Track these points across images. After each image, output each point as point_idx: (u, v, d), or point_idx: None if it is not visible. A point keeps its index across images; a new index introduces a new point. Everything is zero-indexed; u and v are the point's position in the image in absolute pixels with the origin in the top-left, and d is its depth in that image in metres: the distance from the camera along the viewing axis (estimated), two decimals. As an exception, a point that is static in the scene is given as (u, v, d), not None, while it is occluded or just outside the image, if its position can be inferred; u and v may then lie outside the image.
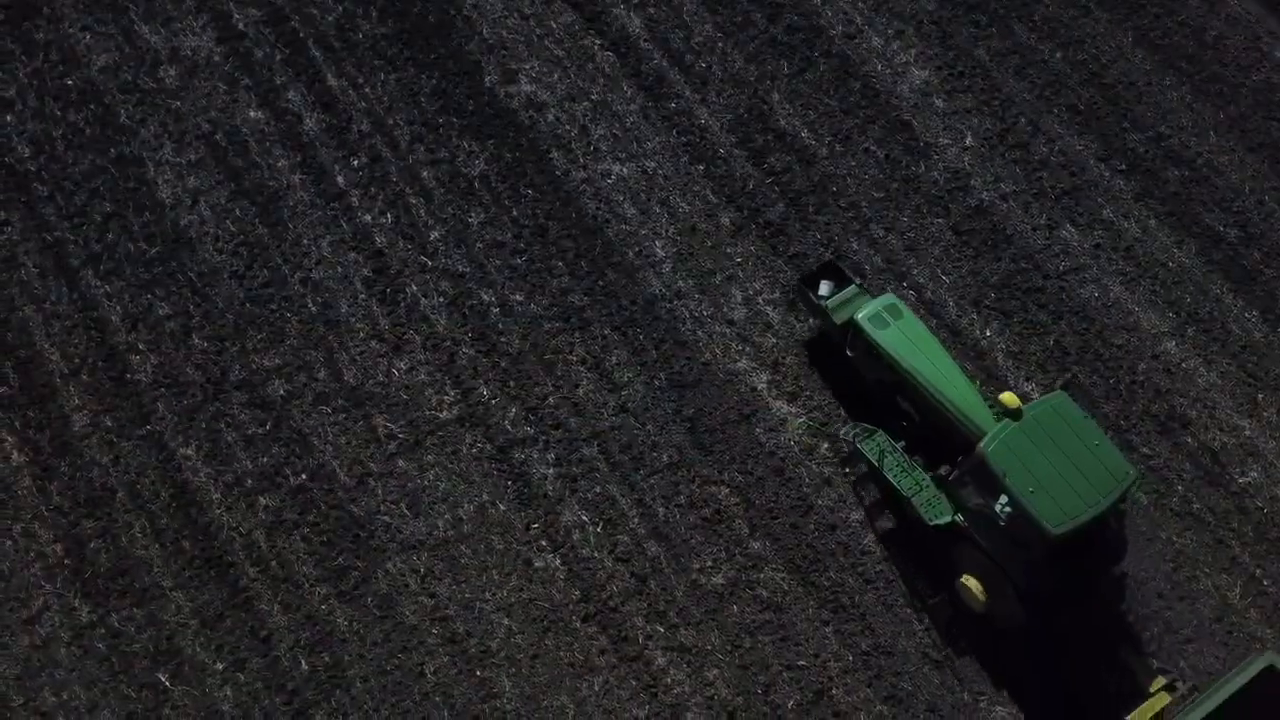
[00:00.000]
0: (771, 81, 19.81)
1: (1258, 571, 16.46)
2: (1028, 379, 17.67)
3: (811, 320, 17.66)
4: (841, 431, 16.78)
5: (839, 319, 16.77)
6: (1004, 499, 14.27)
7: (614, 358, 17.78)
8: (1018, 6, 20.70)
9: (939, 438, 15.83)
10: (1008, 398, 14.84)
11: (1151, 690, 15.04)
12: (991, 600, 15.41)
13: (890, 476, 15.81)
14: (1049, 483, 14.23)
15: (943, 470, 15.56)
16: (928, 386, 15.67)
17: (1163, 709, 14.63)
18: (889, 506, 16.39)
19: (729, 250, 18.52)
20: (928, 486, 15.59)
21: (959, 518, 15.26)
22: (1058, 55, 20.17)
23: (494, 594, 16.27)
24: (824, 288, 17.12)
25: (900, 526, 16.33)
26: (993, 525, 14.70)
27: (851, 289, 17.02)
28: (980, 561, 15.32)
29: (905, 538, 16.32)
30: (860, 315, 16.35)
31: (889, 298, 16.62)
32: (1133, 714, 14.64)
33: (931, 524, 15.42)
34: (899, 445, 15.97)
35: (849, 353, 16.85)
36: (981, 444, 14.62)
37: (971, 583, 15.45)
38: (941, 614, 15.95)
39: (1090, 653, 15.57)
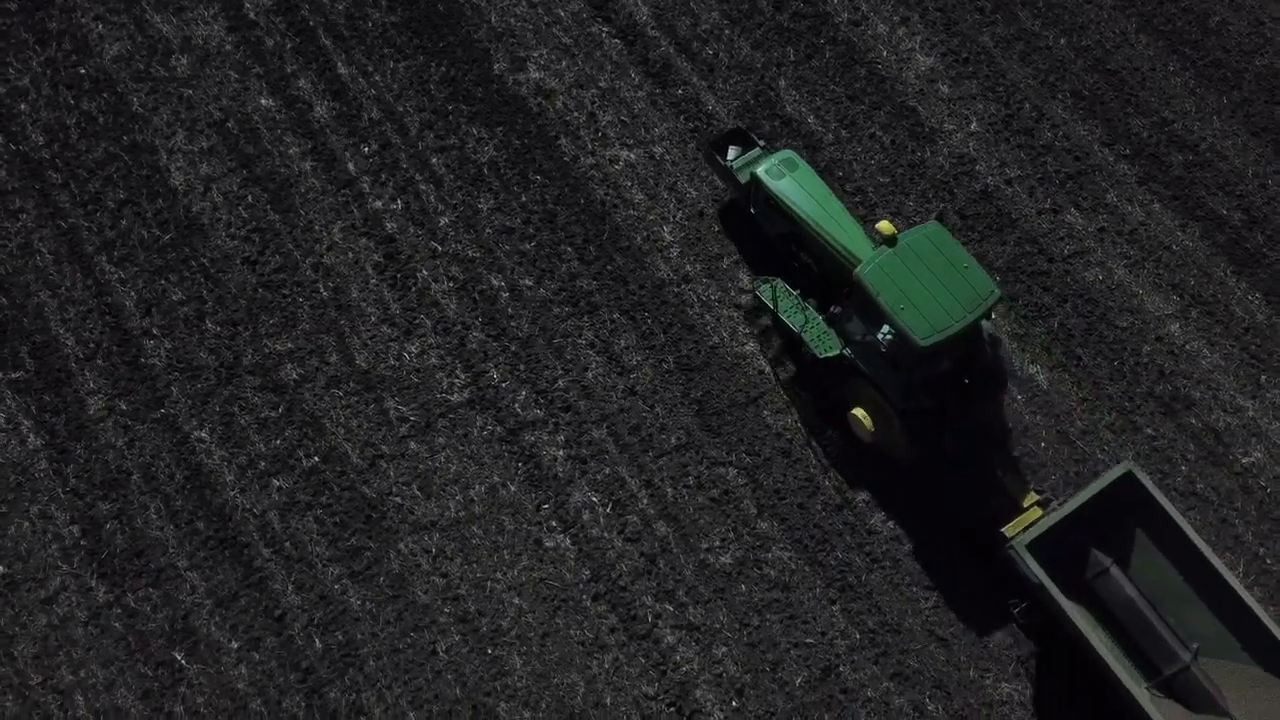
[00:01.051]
0: (778, 68, 19.96)
1: (1261, 550, 16.61)
2: (1033, 361, 17.82)
3: (721, 185, 18.74)
4: (747, 286, 18.01)
5: (743, 179, 17.89)
6: (885, 329, 15.29)
7: (623, 341, 17.95)
8: (1022, -7, 20.86)
9: (833, 284, 17.11)
10: (884, 226, 15.78)
11: (1025, 505, 15.97)
12: (878, 430, 16.47)
13: (785, 317, 16.92)
14: (919, 300, 15.17)
15: (832, 309, 16.71)
16: (818, 229, 16.85)
17: (1035, 522, 15.37)
18: (790, 354, 17.64)
19: (736, 235, 18.69)
20: (818, 324, 16.72)
21: (846, 351, 16.28)
22: (1062, 41, 20.30)
23: (505, 574, 16.47)
24: (731, 152, 18.27)
25: (801, 372, 17.50)
26: (873, 352, 15.81)
27: (755, 151, 18.22)
28: (868, 394, 16.36)
29: (805, 380, 17.56)
30: (759, 169, 17.50)
31: (786, 152, 17.86)
32: (1008, 526, 15.55)
33: (821, 357, 16.51)
34: (795, 292, 17.13)
35: (752, 210, 18.01)
36: (858, 268, 15.60)
37: (860, 413, 16.55)
38: (832, 450, 17.10)
39: (972, 478, 16.59)
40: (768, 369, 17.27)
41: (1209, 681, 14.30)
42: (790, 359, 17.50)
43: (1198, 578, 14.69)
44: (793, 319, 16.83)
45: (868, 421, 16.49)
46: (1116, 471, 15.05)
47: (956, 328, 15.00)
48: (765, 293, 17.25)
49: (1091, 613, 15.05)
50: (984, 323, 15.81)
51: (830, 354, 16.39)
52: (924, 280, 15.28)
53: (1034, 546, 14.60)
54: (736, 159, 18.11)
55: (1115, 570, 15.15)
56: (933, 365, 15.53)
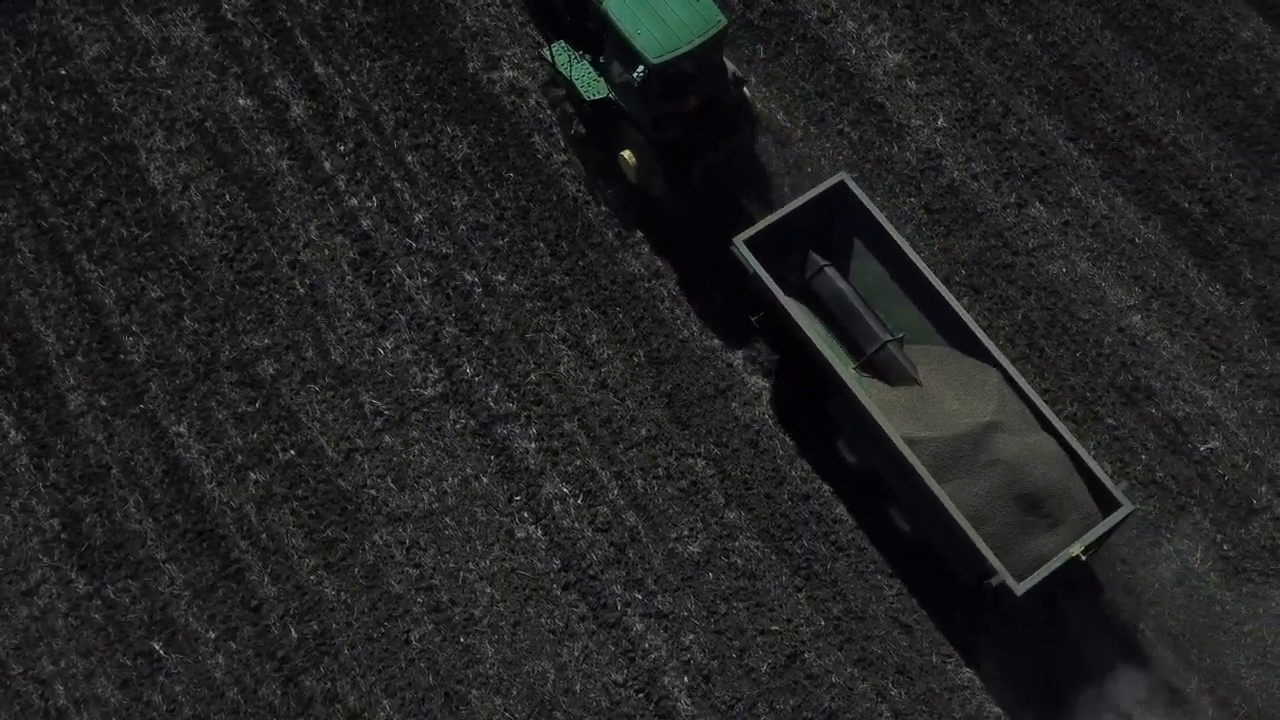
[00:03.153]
0: (748, 65, 20.24)
1: (1218, 537, 16.94)
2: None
3: None
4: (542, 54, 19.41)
5: None
6: (639, 69, 17.10)
7: (594, 336, 18.26)
8: (990, -10, 21.15)
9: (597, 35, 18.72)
10: None
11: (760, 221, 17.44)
12: (641, 168, 18.57)
13: (562, 69, 18.38)
14: (653, 26, 17.16)
15: (600, 59, 18.44)
16: None
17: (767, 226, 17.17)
18: (579, 117, 19.40)
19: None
20: (589, 72, 18.43)
21: (611, 94, 18.11)
22: (1028, 37, 20.59)
23: (477, 564, 16.79)
24: None
25: (589, 135, 19.35)
26: (630, 91, 17.63)
27: None
28: (632, 135, 18.31)
29: (592, 142, 19.41)
30: None
31: None
32: (738, 236, 16.99)
33: (588, 101, 18.25)
34: (579, 52, 18.62)
35: None
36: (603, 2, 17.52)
37: (626, 154, 18.61)
38: (614, 199, 18.98)
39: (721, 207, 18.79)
40: (564, 144, 19.02)
41: (904, 358, 16.26)
42: (580, 121, 19.46)
43: (903, 276, 16.71)
44: (568, 70, 18.40)
45: (632, 160, 18.55)
46: (831, 181, 17.08)
47: (685, 49, 17.05)
48: (546, 53, 18.81)
49: (812, 309, 16.84)
50: (729, 65, 18.25)
51: (597, 97, 18.23)
52: (659, 9, 17.30)
53: (753, 245, 16.62)
54: None
55: (830, 270, 16.93)
56: (680, 101, 17.56)
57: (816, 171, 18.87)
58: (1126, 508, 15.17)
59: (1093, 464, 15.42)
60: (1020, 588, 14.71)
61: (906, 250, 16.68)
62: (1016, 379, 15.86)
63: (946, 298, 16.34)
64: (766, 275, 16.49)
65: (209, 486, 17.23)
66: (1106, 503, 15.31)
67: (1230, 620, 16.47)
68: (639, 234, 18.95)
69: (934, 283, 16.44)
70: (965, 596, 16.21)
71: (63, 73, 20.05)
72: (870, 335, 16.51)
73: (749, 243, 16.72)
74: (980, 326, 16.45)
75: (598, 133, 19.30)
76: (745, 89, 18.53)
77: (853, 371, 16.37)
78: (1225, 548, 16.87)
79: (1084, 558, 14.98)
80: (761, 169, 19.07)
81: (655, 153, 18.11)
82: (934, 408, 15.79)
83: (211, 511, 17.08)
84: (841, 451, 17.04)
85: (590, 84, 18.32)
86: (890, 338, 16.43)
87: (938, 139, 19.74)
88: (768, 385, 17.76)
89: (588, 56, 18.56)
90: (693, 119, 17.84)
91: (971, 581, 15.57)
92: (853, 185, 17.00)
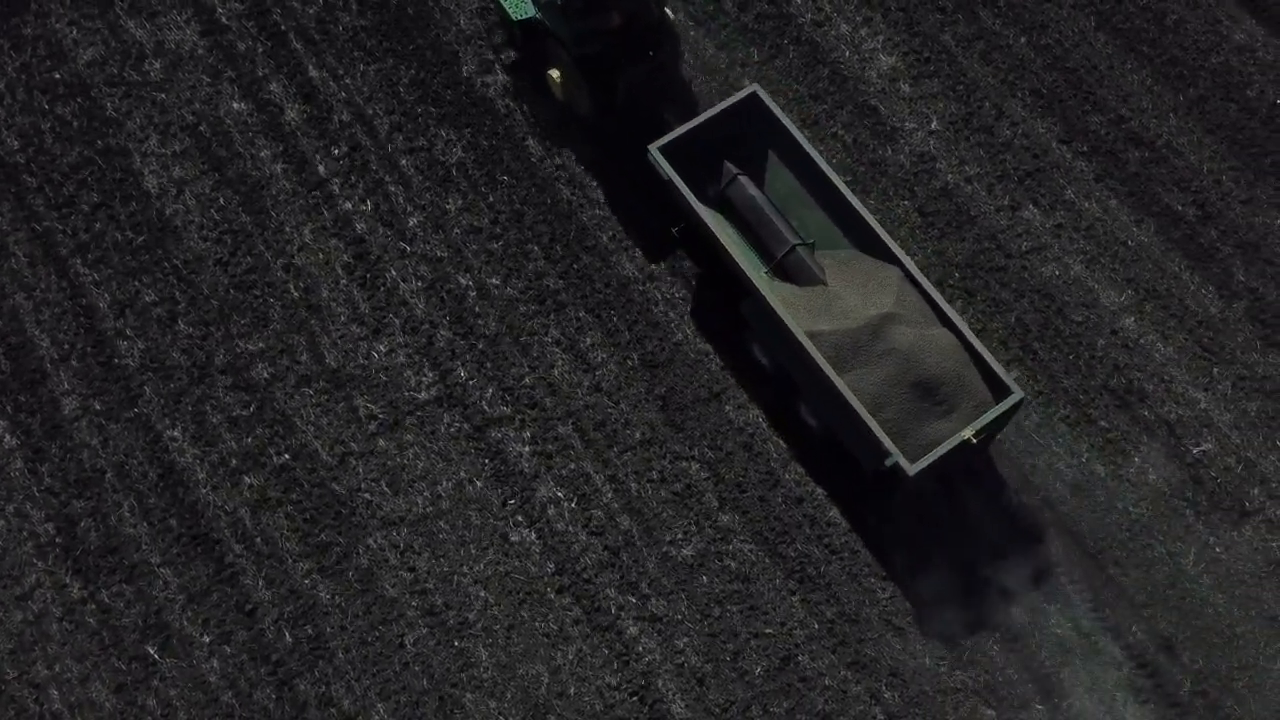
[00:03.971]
0: (742, 68, 20.28)
1: (1211, 539, 16.97)
2: (990, 353, 18.16)
3: None
4: None
5: None
6: None
7: (588, 339, 18.29)
8: (983, -7, 21.19)
9: None
10: None
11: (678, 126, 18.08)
12: (566, 86, 19.36)
13: None
14: None
15: None
16: None
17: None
18: (511, 40, 20.26)
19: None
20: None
21: (537, 14, 18.93)
22: (1022, 40, 20.63)
23: (471, 567, 16.82)
24: None
25: (522, 59, 20.23)
26: (553, 10, 18.32)
27: None
28: (556, 53, 19.04)
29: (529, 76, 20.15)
30: None
31: None
32: (653, 144, 17.63)
33: (516, 21, 19.14)
34: None
35: None
36: None
37: (553, 73, 19.43)
38: (543, 117, 19.80)
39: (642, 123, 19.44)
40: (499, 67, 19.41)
41: (812, 261, 17.00)
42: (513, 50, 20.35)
43: (813, 185, 17.53)
44: None
45: (558, 78, 19.37)
46: (743, 93, 17.80)
47: None
48: None
49: (727, 218, 17.54)
50: None
51: (524, 17, 19.09)
52: None
53: (669, 154, 17.34)
54: None
55: (743, 178, 17.55)
56: (602, 19, 18.20)
57: (739, 87, 19.42)
58: (1016, 395, 15.99)
59: (986, 355, 16.27)
60: (913, 468, 15.50)
61: (817, 160, 17.49)
62: (918, 277, 16.67)
63: (854, 203, 17.19)
64: (680, 181, 17.34)
65: (203, 491, 17.25)
66: (1000, 392, 16.18)
67: (1223, 623, 16.50)
68: (633, 237, 18.98)
69: (842, 189, 17.31)
70: (869, 486, 16.89)
71: (57, 76, 20.06)
72: (781, 240, 17.24)
73: (664, 150, 17.45)
74: (886, 230, 17.46)
75: (532, 55, 20.11)
76: (666, 8, 19.23)
77: (764, 275, 17.13)
78: (1218, 550, 16.90)
79: (975, 440, 15.74)
80: (685, 86, 19.89)
81: (580, 70, 18.70)
82: (836, 304, 16.60)
83: (206, 516, 17.11)
84: (755, 353, 17.91)
85: (517, 5, 19.20)
86: (799, 242, 17.10)
87: (931, 142, 19.77)
88: (688, 295, 18.56)
89: None
90: (614, 36, 18.51)
91: (873, 469, 16.40)
92: (765, 96, 17.79)
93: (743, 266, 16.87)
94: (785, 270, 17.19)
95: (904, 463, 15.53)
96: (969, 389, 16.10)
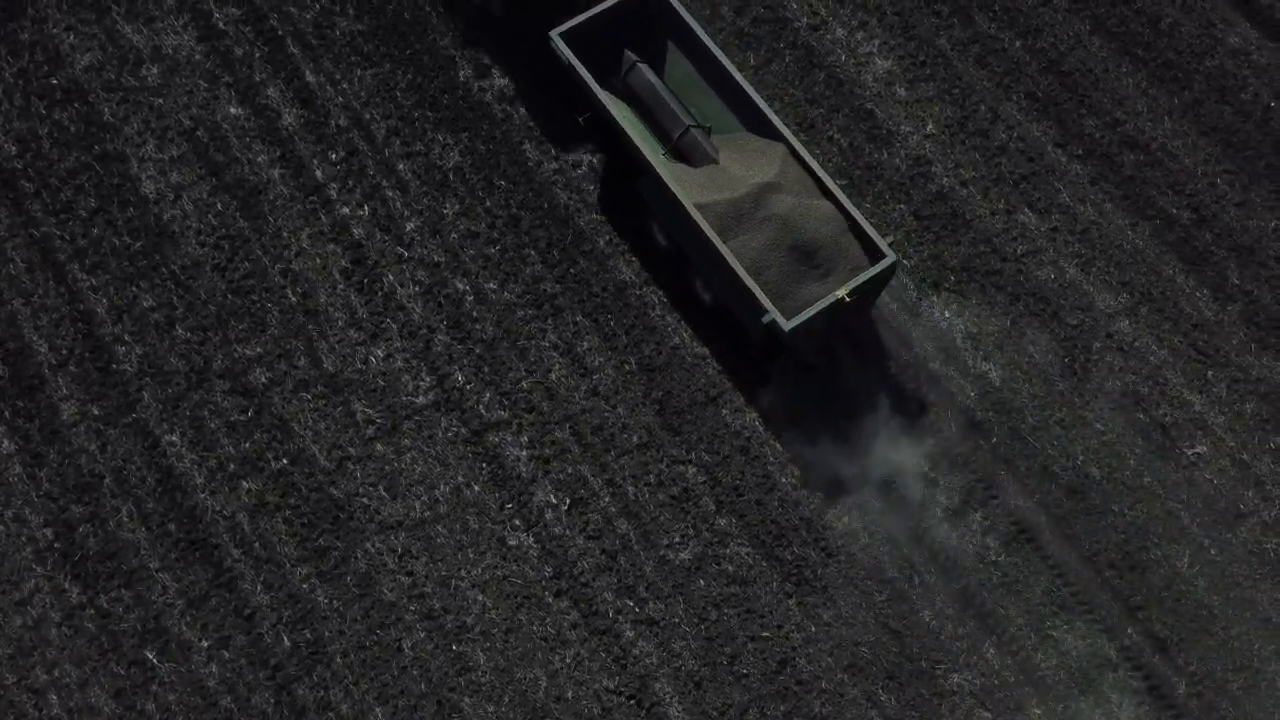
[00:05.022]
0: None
1: (1205, 541, 17.05)
2: (985, 359, 18.25)
3: None
4: None
5: None
6: None
7: (585, 343, 18.35)
8: (979, -4, 21.27)
9: None
10: None
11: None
12: None
13: None
14: None
15: None
16: None
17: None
18: None
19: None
20: None
21: None
22: (1017, 44, 20.69)
23: (469, 571, 16.87)
24: None
25: None
26: None
27: None
28: None
29: None
30: None
31: None
32: (554, 30, 18.48)
33: None
34: None
35: None
36: None
37: None
38: (460, 20, 20.42)
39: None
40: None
41: (707, 143, 18.03)
42: None
43: (710, 74, 18.55)
44: None
45: None
46: None
47: None
48: None
49: (630, 106, 18.55)
50: None
51: None
52: None
53: (569, 39, 18.26)
54: None
55: (642, 65, 18.54)
56: None
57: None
58: (890, 258, 16.88)
59: (863, 222, 17.13)
60: (789, 324, 16.44)
61: (713, 49, 18.33)
62: (803, 154, 17.60)
63: (745, 88, 18.05)
64: (581, 67, 18.13)
65: (201, 496, 17.30)
66: (876, 257, 17.15)
67: (1218, 624, 16.58)
68: (630, 242, 19.03)
69: (736, 76, 18.14)
70: (757, 355, 17.86)
71: (54, 82, 20.10)
72: (677, 122, 18.16)
73: (566, 37, 18.27)
74: (777, 113, 18.32)
75: None
76: None
77: (662, 157, 18.04)
78: (1213, 553, 16.98)
79: (848, 299, 16.62)
80: None
81: None
82: (724, 177, 17.64)
83: (204, 520, 17.15)
84: (654, 234, 18.82)
85: None
86: (694, 124, 18.09)
87: (927, 146, 19.83)
88: (595, 188, 19.30)
89: None
90: None
91: (758, 335, 17.31)
92: None
93: (641, 148, 17.83)
94: (681, 151, 18.19)
95: (780, 319, 16.49)
96: (846, 254, 17.14)
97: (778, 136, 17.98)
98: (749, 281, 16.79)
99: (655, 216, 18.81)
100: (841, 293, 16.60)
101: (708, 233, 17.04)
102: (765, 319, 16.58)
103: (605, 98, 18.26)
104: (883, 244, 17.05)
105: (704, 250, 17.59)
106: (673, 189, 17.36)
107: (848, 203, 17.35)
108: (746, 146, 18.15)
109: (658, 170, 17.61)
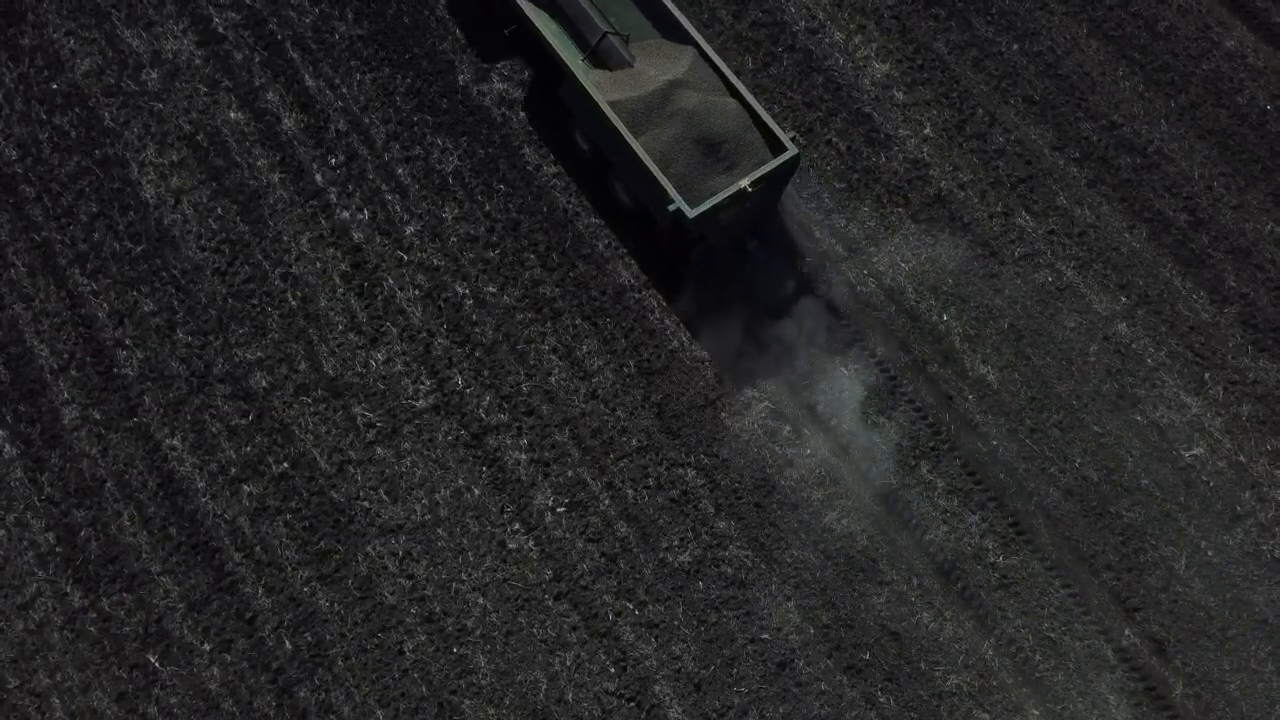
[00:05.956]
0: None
1: (1202, 543, 17.12)
2: (984, 361, 18.32)
3: None
4: None
5: None
6: None
7: (585, 346, 18.41)
8: (976, 0, 21.29)
9: None
10: None
11: None
12: None
13: None
14: None
15: None
16: None
17: None
18: None
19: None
20: None
21: None
22: (1014, 47, 20.76)
23: (469, 575, 16.94)
24: None
25: None
26: None
27: None
28: None
29: None
30: None
31: None
32: None
33: None
34: None
35: None
36: None
37: None
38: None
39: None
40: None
41: (624, 49, 18.85)
42: None
43: None
44: None
45: None
46: None
47: None
48: None
49: (551, 16, 19.24)
50: None
51: None
52: None
53: None
54: None
55: None
56: None
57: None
58: (792, 151, 17.71)
59: (767, 118, 18.02)
60: (693, 212, 17.30)
61: None
62: (712, 56, 18.56)
63: (668, 5, 19.04)
64: None
65: (203, 499, 17.36)
66: (779, 151, 17.89)
67: (1215, 625, 16.66)
68: (629, 245, 19.10)
69: None
70: (667, 246, 18.50)
71: (54, 87, 20.16)
72: (595, 29, 18.97)
73: None
74: (691, 22, 19.15)
75: None
76: None
77: (581, 62, 18.85)
78: (1210, 554, 17.05)
79: (751, 190, 17.47)
80: None
81: None
82: (637, 78, 18.59)
83: (205, 524, 17.22)
84: (575, 139, 19.66)
85: None
86: (610, 30, 18.89)
87: (925, 149, 19.90)
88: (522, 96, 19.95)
89: None
90: None
91: (666, 225, 18.03)
92: None
93: (561, 55, 18.67)
94: (599, 58, 18.92)
95: (685, 206, 17.30)
96: (750, 148, 17.92)
97: (689, 41, 18.88)
98: (656, 172, 17.59)
99: (575, 120, 19.47)
100: (744, 183, 17.47)
101: (619, 127, 17.87)
102: (671, 207, 17.38)
103: (527, 7, 19.22)
104: (785, 137, 17.84)
105: (619, 148, 18.28)
106: (587, 87, 18.27)
107: (752, 99, 18.20)
108: (660, 50, 19.02)
109: (575, 74, 18.49)
